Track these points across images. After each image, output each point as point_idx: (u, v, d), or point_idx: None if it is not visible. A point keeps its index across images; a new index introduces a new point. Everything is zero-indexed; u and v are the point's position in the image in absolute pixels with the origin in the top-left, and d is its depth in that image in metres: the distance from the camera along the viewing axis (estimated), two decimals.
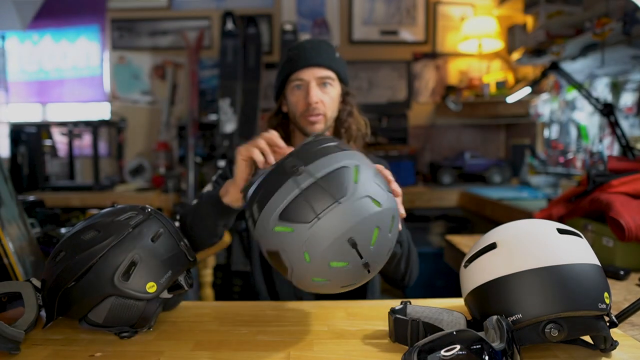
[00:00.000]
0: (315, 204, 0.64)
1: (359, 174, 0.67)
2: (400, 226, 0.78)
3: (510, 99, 2.69)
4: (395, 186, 0.81)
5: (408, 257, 1.12)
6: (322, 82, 1.17)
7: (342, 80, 1.22)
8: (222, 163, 3.02)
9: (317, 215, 0.64)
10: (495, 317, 0.61)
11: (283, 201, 0.65)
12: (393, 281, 1.18)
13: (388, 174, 0.80)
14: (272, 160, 0.88)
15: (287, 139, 1.23)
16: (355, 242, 0.65)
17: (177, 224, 1.10)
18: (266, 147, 0.89)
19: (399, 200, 0.81)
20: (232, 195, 0.96)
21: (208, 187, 1.21)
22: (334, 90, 1.19)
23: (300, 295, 1.20)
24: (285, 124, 1.26)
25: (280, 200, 0.66)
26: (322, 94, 1.16)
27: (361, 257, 0.66)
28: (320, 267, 0.66)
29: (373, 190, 0.67)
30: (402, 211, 0.82)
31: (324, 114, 1.17)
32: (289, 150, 0.80)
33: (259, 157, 0.88)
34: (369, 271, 0.69)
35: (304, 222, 0.64)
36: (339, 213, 0.64)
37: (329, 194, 0.64)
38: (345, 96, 1.22)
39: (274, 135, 0.90)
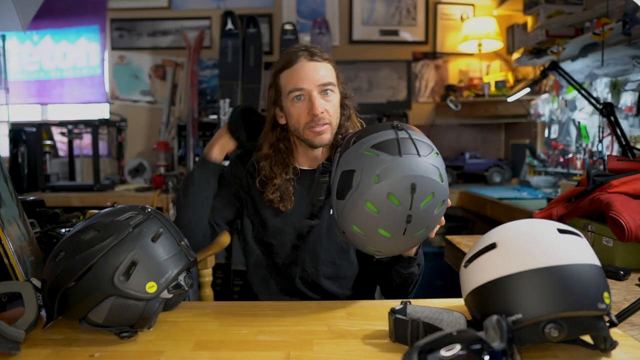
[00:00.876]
0: (403, 147, 0.80)
1: (439, 158, 0.84)
2: (433, 233, 0.91)
3: (510, 99, 2.69)
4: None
5: (418, 279, 1.14)
6: (324, 90, 1.11)
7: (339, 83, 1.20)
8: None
9: (401, 154, 0.80)
10: (495, 317, 0.61)
11: (379, 138, 0.83)
12: (392, 295, 1.17)
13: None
14: None
15: (289, 153, 1.18)
16: (415, 190, 0.78)
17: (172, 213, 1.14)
18: None
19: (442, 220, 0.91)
20: (215, 154, 1.19)
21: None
22: (336, 96, 1.14)
23: (299, 291, 1.18)
24: (285, 137, 1.19)
25: (377, 137, 0.83)
26: (325, 102, 1.11)
27: (411, 207, 0.79)
28: (380, 193, 0.79)
29: (442, 171, 0.83)
30: (443, 220, 0.92)
31: (329, 123, 1.12)
32: None
33: None
34: (406, 229, 0.81)
35: (390, 154, 0.80)
36: (416, 161, 0.80)
37: (415, 148, 0.81)
38: (344, 99, 1.18)
39: None
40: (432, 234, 0.91)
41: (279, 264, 1.19)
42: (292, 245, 1.18)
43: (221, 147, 1.20)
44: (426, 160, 0.81)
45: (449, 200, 0.88)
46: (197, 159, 3.13)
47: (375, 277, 1.21)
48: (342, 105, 1.17)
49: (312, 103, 1.09)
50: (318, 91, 1.10)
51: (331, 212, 1.13)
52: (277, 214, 1.17)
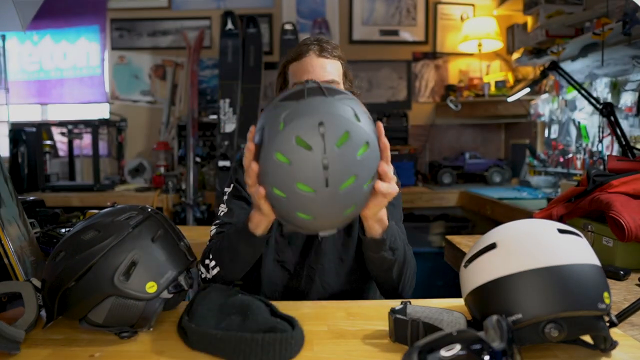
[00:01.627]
0: (309, 93, 0.75)
1: (356, 102, 0.78)
2: (382, 185, 0.80)
3: (510, 99, 2.69)
4: (385, 140, 0.81)
5: (402, 267, 1.06)
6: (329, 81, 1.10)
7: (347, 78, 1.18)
8: (222, 163, 3.02)
9: (305, 97, 0.74)
10: (495, 317, 0.61)
11: (287, 92, 0.79)
12: (386, 291, 1.13)
13: (381, 127, 0.82)
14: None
15: None
16: (325, 132, 0.70)
17: (213, 271, 1.06)
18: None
19: (386, 154, 0.81)
20: (263, 228, 0.95)
21: (223, 209, 1.17)
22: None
23: (300, 290, 1.18)
24: None
25: (286, 92, 0.79)
26: None
27: (325, 151, 0.70)
28: (287, 140, 0.71)
29: (359, 112, 0.75)
30: (388, 173, 0.81)
31: None
32: None
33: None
34: (327, 179, 0.71)
35: (294, 100, 0.75)
36: (323, 100, 0.74)
37: (322, 91, 0.76)
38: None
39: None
40: (380, 190, 0.80)
41: (284, 262, 1.19)
42: (295, 241, 1.18)
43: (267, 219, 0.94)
44: (334, 100, 0.74)
45: (396, 179, 0.81)
46: (197, 159, 3.13)
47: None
48: None
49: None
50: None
51: None
52: None
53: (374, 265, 1.05)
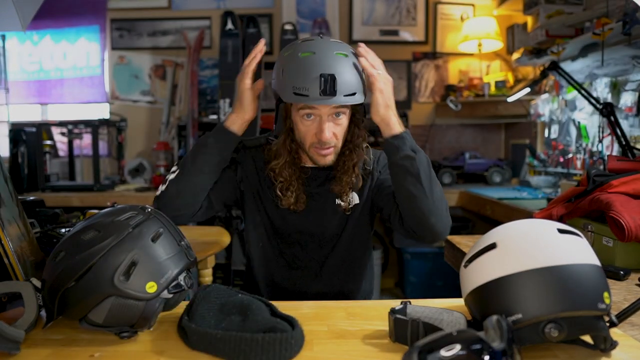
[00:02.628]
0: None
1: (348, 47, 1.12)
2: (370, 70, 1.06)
3: (510, 99, 2.69)
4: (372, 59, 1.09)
5: (429, 175, 1.04)
6: (336, 112, 1.08)
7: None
8: None
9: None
10: (495, 317, 0.61)
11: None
12: (418, 218, 1.04)
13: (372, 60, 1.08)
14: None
15: (298, 159, 1.17)
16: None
17: (171, 175, 1.11)
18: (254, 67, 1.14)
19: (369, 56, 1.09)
20: (239, 125, 1.13)
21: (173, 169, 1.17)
22: (346, 118, 1.11)
23: (301, 289, 1.18)
24: (295, 143, 1.15)
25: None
26: (334, 126, 1.08)
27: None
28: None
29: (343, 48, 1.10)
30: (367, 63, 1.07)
31: (335, 146, 1.10)
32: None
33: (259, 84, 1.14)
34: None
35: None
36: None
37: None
38: (354, 115, 1.14)
39: (255, 55, 1.15)
40: (369, 73, 1.04)
41: (285, 259, 1.19)
42: (297, 240, 1.18)
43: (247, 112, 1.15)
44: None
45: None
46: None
47: (397, 212, 1.10)
48: (352, 122, 1.14)
49: (320, 128, 1.06)
50: (330, 113, 1.07)
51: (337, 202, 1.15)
52: (284, 210, 1.16)
53: (402, 175, 1.04)
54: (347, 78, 1.02)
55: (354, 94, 1.04)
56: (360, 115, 1.16)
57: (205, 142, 1.11)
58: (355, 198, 1.19)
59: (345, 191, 1.15)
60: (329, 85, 1.00)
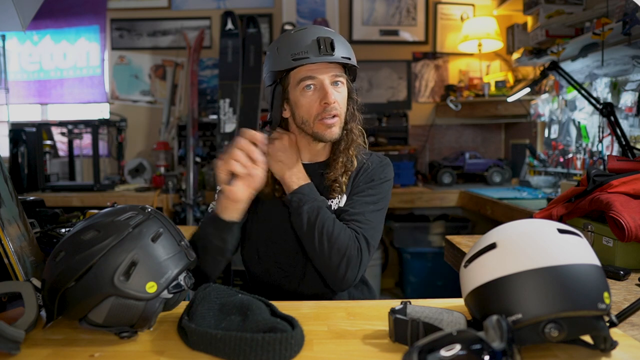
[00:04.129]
0: None
1: None
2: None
3: (510, 99, 2.69)
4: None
5: (313, 234, 1.05)
6: (335, 81, 1.09)
7: (352, 78, 1.16)
8: None
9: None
10: (495, 317, 0.61)
11: None
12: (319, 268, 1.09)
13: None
14: (251, 167, 0.98)
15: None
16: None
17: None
18: (244, 158, 0.98)
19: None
20: (230, 211, 1.02)
21: (211, 205, 1.20)
22: (345, 89, 1.12)
23: (300, 290, 1.18)
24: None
25: None
26: (337, 93, 1.08)
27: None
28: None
29: None
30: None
31: (339, 115, 1.09)
32: (264, 147, 1.03)
33: (240, 170, 0.98)
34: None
35: None
36: None
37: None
38: (350, 94, 1.15)
39: (249, 137, 0.99)
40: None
41: (281, 259, 1.18)
42: (293, 239, 1.17)
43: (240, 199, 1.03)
44: None
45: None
46: (197, 159, 3.13)
47: None
48: (349, 101, 1.15)
49: (325, 91, 1.06)
50: (330, 81, 1.08)
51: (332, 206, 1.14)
52: (278, 206, 1.15)
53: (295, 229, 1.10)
54: (340, 42, 1.07)
55: (349, 58, 1.07)
56: (355, 96, 1.16)
57: (203, 233, 1.07)
58: (343, 200, 1.17)
59: (338, 180, 1.14)
60: (328, 45, 1.03)
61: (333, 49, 1.04)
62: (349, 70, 1.14)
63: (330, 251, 1.04)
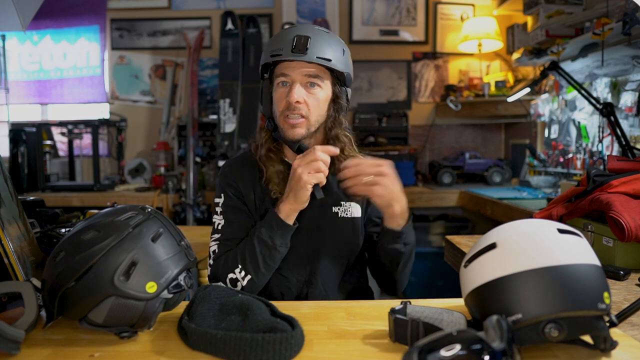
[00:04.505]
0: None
1: None
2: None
3: (510, 99, 2.69)
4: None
5: (407, 262, 1.13)
6: (309, 82, 1.06)
7: (341, 82, 1.10)
8: (222, 163, 3.02)
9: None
10: (495, 317, 0.61)
11: None
12: (385, 284, 1.19)
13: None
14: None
15: (280, 145, 1.16)
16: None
17: (244, 281, 1.06)
18: (325, 169, 1.01)
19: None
20: (293, 218, 1.07)
21: (219, 221, 1.14)
22: (322, 92, 1.08)
23: (293, 289, 1.17)
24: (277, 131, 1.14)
25: None
26: (307, 94, 1.06)
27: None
28: None
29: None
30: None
31: (306, 117, 1.06)
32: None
33: (323, 180, 1.02)
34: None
35: None
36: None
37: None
38: (336, 99, 1.10)
39: (328, 152, 1.02)
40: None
41: (287, 268, 1.17)
42: (301, 245, 1.16)
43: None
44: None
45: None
46: (197, 159, 3.13)
47: (369, 257, 1.23)
48: (332, 106, 1.11)
49: (290, 91, 1.05)
50: (302, 81, 1.06)
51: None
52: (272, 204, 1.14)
53: (386, 257, 1.11)
54: (322, 44, 1.03)
55: (329, 60, 1.03)
56: (343, 101, 1.11)
57: (269, 241, 1.06)
58: (356, 210, 1.18)
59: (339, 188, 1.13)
60: (302, 44, 1.01)
61: (306, 49, 1.01)
62: (338, 73, 1.08)
63: (408, 274, 1.18)
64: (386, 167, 1.00)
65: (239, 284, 1.06)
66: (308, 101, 1.06)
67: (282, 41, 1.04)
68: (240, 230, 1.12)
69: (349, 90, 1.15)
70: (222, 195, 1.16)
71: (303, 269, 1.15)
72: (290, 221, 1.06)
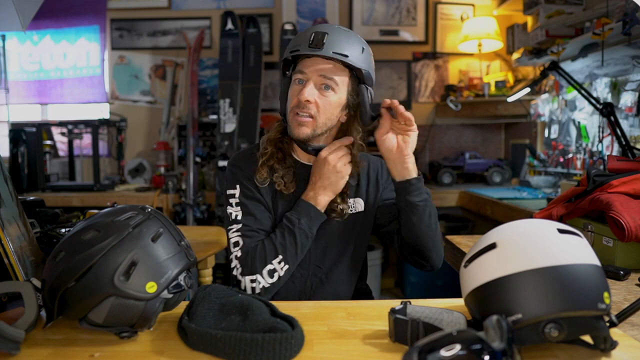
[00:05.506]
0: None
1: None
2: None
3: (510, 99, 2.69)
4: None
5: (429, 221, 1.11)
6: (324, 84, 1.05)
7: (360, 80, 1.09)
8: (222, 163, 3.02)
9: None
10: (495, 317, 0.61)
11: None
12: (420, 252, 1.14)
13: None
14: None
15: (290, 143, 1.16)
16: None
17: (282, 271, 1.06)
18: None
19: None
20: (325, 204, 1.11)
21: (236, 212, 1.11)
22: (336, 96, 1.07)
23: (299, 286, 1.17)
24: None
25: None
26: (319, 95, 1.06)
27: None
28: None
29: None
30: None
31: (314, 118, 1.06)
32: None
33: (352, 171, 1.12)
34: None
35: None
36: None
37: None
38: (349, 106, 1.11)
39: (343, 144, 1.11)
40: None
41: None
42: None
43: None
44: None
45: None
46: (197, 159, 3.13)
47: (399, 237, 1.18)
48: (345, 111, 1.11)
49: (303, 88, 1.06)
50: (317, 81, 1.06)
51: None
52: (283, 200, 1.14)
53: (415, 214, 1.10)
54: (340, 40, 1.03)
55: (346, 56, 1.02)
56: (365, 117, 1.11)
57: (309, 232, 1.09)
58: (359, 204, 1.18)
59: (338, 200, 1.13)
60: (319, 39, 1.01)
61: (323, 44, 1.01)
62: (356, 71, 1.07)
63: (439, 235, 1.16)
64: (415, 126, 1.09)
65: (276, 274, 1.05)
66: (318, 102, 1.06)
67: (301, 38, 1.05)
68: (262, 221, 1.11)
69: (372, 91, 1.12)
70: (238, 186, 1.13)
71: (309, 266, 1.16)
72: (323, 210, 1.11)
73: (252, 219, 1.10)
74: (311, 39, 1.02)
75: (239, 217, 1.10)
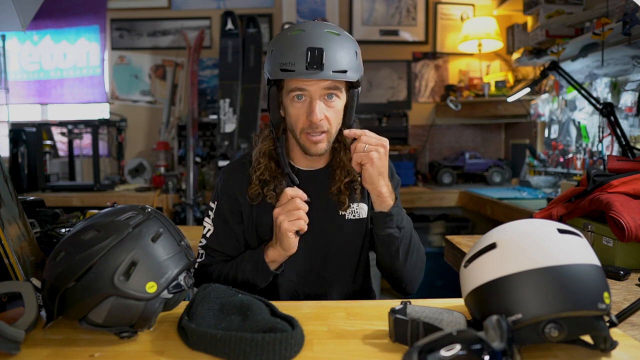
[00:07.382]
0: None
1: None
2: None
3: (510, 99, 2.69)
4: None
5: (408, 249, 1.08)
6: (328, 94, 1.02)
7: (353, 85, 1.06)
8: (222, 163, 3.02)
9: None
10: (495, 317, 0.61)
11: None
12: (393, 280, 1.14)
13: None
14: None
15: (286, 153, 1.12)
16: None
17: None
18: (304, 216, 0.99)
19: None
20: (279, 264, 1.07)
21: (209, 228, 1.15)
22: (340, 101, 1.05)
23: (301, 293, 1.17)
24: (286, 133, 1.11)
25: None
26: (326, 108, 1.02)
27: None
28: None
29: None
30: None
31: (327, 131, 1.04)
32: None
33: (304, 227, 1.00)
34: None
35: None
36: None
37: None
38: (350, 102, 1.07)
39: (301, 196, 1.00)
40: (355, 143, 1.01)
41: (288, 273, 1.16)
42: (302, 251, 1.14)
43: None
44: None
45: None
46: (197, 159, 3.13)
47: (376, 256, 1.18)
48: (346, 110, 1.08)
49: (311, 108, 1.00)
50: (321, 94, 1.01)
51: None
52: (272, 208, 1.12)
53: (382, 246, 1.08)
54: (337, 54, 0.97)
55: (344, 71, 0.98)
56: (355, 103, 1.07)
57: (252, 282, 1.08)
58: (363, 210, 1.16)
59: (343, 192, 1.11)
60: (316, 59, 0.95)
61: (322, 64, 0.95)
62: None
63: (415, 265, 1.12)
64: (385, 141, 1.03)
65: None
66: (328, 115, 1.03)
67: (293, 53, 0.97)
68: (225, 243, 1.14)
69: (359, 89, 1.10)
70: (217, 202, 1.15)
71: (311, 274, 1.15)
72: (274, 267, 1.06)
73: (217, 242, 1.14)
74: (307, 59, 0.95)
75: (208, 235, 1.15)
